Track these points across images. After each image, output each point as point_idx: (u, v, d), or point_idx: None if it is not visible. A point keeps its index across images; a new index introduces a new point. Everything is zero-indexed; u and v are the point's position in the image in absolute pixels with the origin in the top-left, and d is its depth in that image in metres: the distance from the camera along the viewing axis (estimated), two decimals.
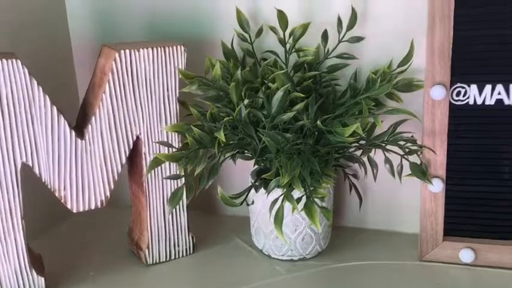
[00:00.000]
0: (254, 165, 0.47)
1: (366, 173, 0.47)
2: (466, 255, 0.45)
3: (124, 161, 0.43)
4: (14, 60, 0.37)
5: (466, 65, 0.43)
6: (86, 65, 0.56)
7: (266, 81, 0.43)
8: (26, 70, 0.38)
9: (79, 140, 0.41)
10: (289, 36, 0.46)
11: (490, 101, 0.43)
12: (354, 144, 0.43)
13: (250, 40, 0.48)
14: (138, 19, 0.53)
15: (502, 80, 0.42)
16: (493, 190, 0.45)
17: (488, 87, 0.43)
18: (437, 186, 0.44)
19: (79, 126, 0.43)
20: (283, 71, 0.41)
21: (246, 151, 0.44)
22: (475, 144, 0.44)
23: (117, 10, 0.54)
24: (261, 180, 0.44)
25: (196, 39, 0.51)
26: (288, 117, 0.41)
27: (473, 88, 0.43)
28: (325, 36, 0.45)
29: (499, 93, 0.43)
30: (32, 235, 0.42)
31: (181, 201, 0.46)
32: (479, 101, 0.43)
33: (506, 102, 0.43)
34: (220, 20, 0.51)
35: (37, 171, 0.40)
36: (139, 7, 0.53)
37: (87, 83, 0.45)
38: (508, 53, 0.42)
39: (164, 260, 0.48)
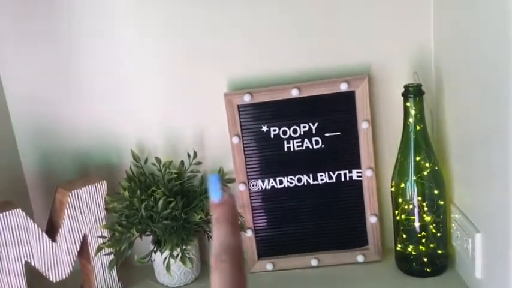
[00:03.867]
0: (151, 237, 0.84)
1: None
2: (269, 266, 0.86)
3: (78, 249, 0.77)
4: (17, 210, 0.70)
5: (254, 171, 0.84)
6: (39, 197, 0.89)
7: (154, 193, 0.80)
8: (24, 213, 0.71)
9: (53, 243, 0.75)
10: (163, 166, 0.84)
11: (268, 187, 0.85)
12: (204, 219, 0.82)
13: (141, 166, 0.85)
14: (71, 158, 0.88)
15: (271, 176, 0.84)
16: (280, 232, 0.86)
17: (266, 180, 0.84)
18: (250, 233, 0.85)
19: (50, 234, 0.76)
20: (162, 189, 0.79)
21: (147, 232, 0.81)
22: (265, 209, 0.85)
23: (57, 154, 0.88)
24: (157, 247, 0.81)
25: (110, 167, 0.87)
26: (167, 212, 0.79)
27: (260, 182, 0.84)
28: (182, 163, 0.84)
29: (272, 183, 0.85)
30: None
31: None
32: (263, 187, 0.85)
33: (276, 186, 0.85)
34: (123, 155, 0.87)
35: (33, 264, 0.73)
36: (71, 149, 0.88)
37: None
38: (270, 164, 0.82)
39: None
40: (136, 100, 0.86)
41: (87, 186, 0.77)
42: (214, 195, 0.37)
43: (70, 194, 0.75)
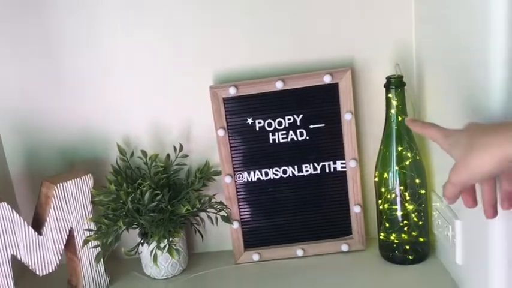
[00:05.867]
0: (138, 230, 0.84)
1: (203, 222, 0.87)
2: (255, 257, 0.87)
3: (65, 243, 0.78)
4: (3, 204, 0.70)
5: (239, 163, 0.85)
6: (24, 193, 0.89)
7: (140, 186, 0.80)
8: (9, 206, 0.71)
9: (40, 236, 0.74)
10: (149, 159, 0.84)
11: (254, 179, 0.86)
12: (191, 211, 0.83)
13: (127, 159, 0.85)
14: (56, 153, 0.88)
15: (257, 168, 0.85)
16: (265, 224, 0.87)
17: (252, 172, 0.85)
18: (236, 225, 0.86)
19: (36, 227, 0.76)
20: (148, 182, 0.79)
21: (134, 225, 0.81)
22: (251, 201, 0.86)
23: (41, 148, 0.88)
24: (144, 239, 0.81)
25: (96, 161, 0.87)
26: (154, 205, 0.79)
27: (246, 174, 0.85)
28: (168, 156, 0.84)
29: (257, 175, 0.86)
30: None
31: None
32: (249, 179, 0.86)
33: (262, 178, 0.86)
34: (109, 149, 0.87)
35: (19, 258, 0.73)
36: (55, 144, 0.87)
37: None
38: (256, 156, 0.83)
39: None
40: (122, 94, 0.86)
41: (73, 180, 0.77)
42: None
43: (56, 187, 0.75)
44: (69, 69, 0.85)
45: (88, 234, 0.79)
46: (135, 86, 0.85)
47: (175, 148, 0.84)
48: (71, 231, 0.78)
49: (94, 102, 0.86)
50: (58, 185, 0.76)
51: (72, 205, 0.78)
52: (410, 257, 0.79)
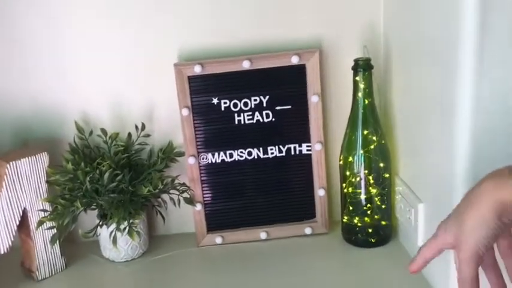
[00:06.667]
0: (97, 211, 0.81)
1: (165, 204, 0.85)
2: (218, 240, 0.85)
3: (18, 223, 0.74)
4: None
5: (203, 144, 0.83)
6: None
7: (99, 166, 0.77)
8: None
9: None
10: (109, 138, 0.81)
11: (218, 160, 0.84)
12: (153, 192, 0.80)
13: (86, 138, 0.82)
14: (9, 130, 0.83)
15: (221, 150, 0.83)
16: (229, 206, 0.86)
17: (216, 154, 0.83)
18: (199, 207, 0.84)
19: None
20: (107, 162, 0.76)
21: (93, 206, 0.78)
22: (215, 183, 0.85)
23: None
24: (103, 220, 0.79)
25: (52, 139, 0.83)
26: (114, 185, 0.76)
27: (210, 155, 0.83)
28: (130, 135, 0.81)
29: (222, 156, 0.84)
30: None
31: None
32: (213, 161, 0.84)
33: (226, 160, 0.84)
34: (67, 127, 0.83)
35: None
36: (9, 120, 0.83)
37: None
38: (221, 137, 0.81)
39: (48, 275, 0.79)
40: (81, 70, 0.82)
41: (26, 158, 0.73)
42: None
43: (8, 165, 0.71)
44: (24, 43, 0.80)
45: (43, 215, 0.75)
46: (96, 62, 0.81)
47: (137, 127, 0.81)
48: (24, 211, 0.75)
49: (50, 77, 0.82)
50: (11, 163, 0.72)
51: (25, 184, 0.74)
52: (372, 240, 0.80)
